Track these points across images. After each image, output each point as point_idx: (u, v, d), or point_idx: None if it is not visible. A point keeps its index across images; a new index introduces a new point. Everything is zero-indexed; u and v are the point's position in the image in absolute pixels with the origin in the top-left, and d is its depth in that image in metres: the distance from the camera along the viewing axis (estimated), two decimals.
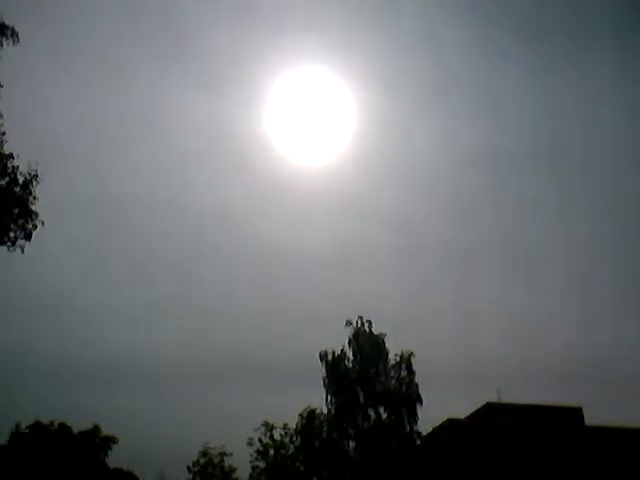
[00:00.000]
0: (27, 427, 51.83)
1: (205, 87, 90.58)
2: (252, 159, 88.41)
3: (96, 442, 52.47)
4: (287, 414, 44.63)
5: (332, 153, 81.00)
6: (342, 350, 39.33)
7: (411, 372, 38.83)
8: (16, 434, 51.32)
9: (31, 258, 24.42)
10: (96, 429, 52.59)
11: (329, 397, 38.78)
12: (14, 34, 23.09)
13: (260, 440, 46.95)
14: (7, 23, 22.93)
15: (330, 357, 39.24)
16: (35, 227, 23.61)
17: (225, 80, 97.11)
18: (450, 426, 38.34)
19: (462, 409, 39.20)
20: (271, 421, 47.11)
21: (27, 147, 25.08)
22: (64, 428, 52.07)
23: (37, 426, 51.76)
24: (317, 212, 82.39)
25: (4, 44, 22.94)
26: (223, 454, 51.01)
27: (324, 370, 39.03)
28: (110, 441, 52.65)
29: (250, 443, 47.05)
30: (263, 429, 46.97)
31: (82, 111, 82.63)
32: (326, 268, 75.07)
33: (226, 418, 55.35)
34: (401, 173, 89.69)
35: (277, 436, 46.93)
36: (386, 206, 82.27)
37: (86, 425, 52.32)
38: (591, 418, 37.62)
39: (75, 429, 52.30)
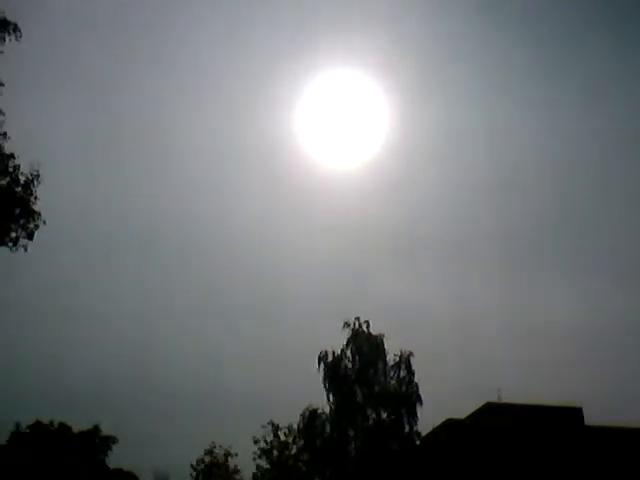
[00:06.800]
0: (27, 427, 51.88)
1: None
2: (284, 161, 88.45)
3: (96, 442, 52.52)
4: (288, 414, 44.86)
5: (361, 157, 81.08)
6: (342, 350, 39.29)
7: (410, 372, 38.75)
8: (16, 434, 51.34)
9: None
10: (96, 429, 52.66)
11: (329, 397, 38.80)
12: (17, 30, 23.13)
13: (265, 440, 47.38)
14: (9, 19, 23.03)
15: (330, 358, 39.19)
16: (37, 227, 23.61)
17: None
18: (450, 426, 38.30)
19: (462, 409, 39.29)
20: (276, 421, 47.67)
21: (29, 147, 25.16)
22: (64, 428, 52.12)
23: (37, 426, 51.80)
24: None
25: (6, 39, 23.03)
26: (228, 454, 51.30)
27: (323, 371, 38.98)
28: (110, 441, 52.72)
29: (256, 441, 47.49)
30: (269, 428, 47.43)
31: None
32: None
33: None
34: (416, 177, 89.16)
35: (282, 436, 47.41)
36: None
37: (86, 425, 52.53)
38: (591, 418, 37.69)
39: (75, 429, 52.42)
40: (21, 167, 23.38)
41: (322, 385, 38.51)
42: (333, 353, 39.19)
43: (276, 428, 47.33)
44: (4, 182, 23.38)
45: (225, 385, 59.64)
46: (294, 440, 45.35)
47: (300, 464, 44.27)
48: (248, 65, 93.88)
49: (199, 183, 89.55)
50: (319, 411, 39.03)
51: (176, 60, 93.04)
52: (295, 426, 44.16)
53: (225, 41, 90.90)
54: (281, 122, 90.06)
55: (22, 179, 23.31)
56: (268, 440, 47.34)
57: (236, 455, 51.18)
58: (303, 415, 39.53)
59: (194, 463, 51.01)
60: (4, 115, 23.18)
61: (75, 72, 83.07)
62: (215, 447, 50.96)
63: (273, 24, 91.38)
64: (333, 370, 38.81)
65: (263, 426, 47.56)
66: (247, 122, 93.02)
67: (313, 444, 39.40)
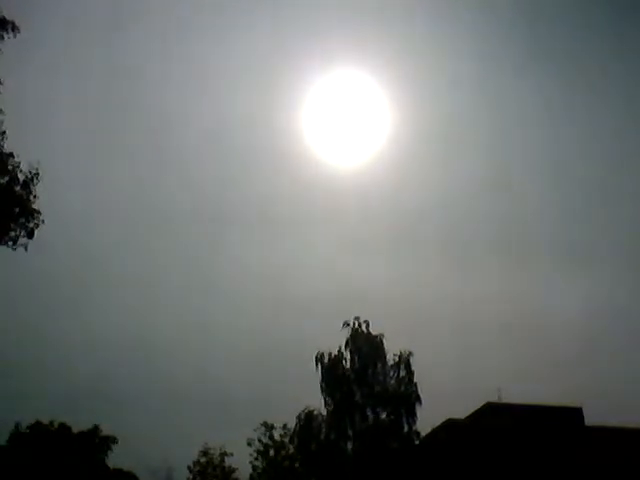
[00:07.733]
0: (27, 427, 51.90)
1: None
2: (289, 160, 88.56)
3: (96, 442, 52.54)
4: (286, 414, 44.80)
5: (366, 155, 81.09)
6: (339, 351, 39.05)
7: (410, 372, 38.63)
8: (16, 434, 51.36)
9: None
10: (96, 429, 52.67)
11: (327, 399, 38.61)
12: (15, 28, 23.12)
13: (260, 440, 47.26)
14: (7, 18, 23.00)
15: (327, 359, 38.98)
16: (37, 225, 23.57)
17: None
18: (450, 426, 38.25)
19: (462, 409, 39.26)
20: (270, 421, 47.63)
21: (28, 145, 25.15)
22: (64, 428, 52.14)
23: (37, 426, 51.83)
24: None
25: (5, 38, 23.01)
26: (223, 454, 51.25)
27: (320, 373, 38.73)
28: (110, 441, 52.72)
29: (250, 443, 47.39)
30: (263, 429, 47.33)
31: None
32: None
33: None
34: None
35: (277, 437, 47.34)
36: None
37: (86, 425, 52.57)
38: (591, 418, 37.69)
39: (75, 429, 52.44)
40: (20, 166, 23.38)
41: (319, 387, 38.37)
42: (330, 354, 38.99)
43: (270, 428, 47.29)
44: (3, 181, 23.36)
45: (225, 385, 59.65)
46: (291, 440, 45.19)
47: (296, 464, 44.16)
48: (249, 64, 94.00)
49: (201, 181, 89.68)
50: (315, 412, 38.84)
51: (177, 61, 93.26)
52: (291, 425, 44.13)
53: (226, 40, 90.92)
54: (283, 121, 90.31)
55: (21, 178, 23.27)
56: (263, 441, 47.31)
57: (231, 455, 51.21)
58: (299, 417, 39.17)
59: (191, 465, 51.03)
60: (4, 114, 23.18)
61: (75, 71, 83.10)
62: (210, 448, 50.95)
63: (273, 23, 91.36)
64: (331, 370, 38.62)
65: (255, 429, 47.51)
66: (248, 121, 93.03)
67: (308, 447, 39.09)
